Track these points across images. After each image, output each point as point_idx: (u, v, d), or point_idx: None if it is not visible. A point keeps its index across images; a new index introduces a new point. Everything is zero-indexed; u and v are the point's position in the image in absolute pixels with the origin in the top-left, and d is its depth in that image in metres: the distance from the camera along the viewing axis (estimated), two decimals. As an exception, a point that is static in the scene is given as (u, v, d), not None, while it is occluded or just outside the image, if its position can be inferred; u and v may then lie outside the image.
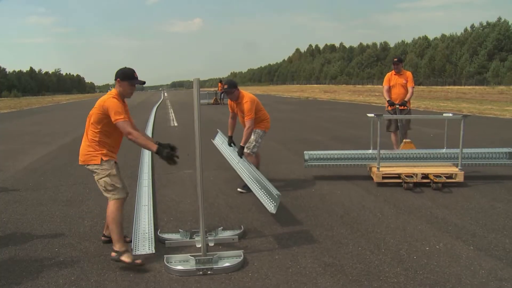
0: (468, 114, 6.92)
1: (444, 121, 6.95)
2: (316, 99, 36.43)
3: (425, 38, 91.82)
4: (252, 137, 5.95)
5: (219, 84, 32.47)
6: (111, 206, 3.83)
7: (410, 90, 7.93)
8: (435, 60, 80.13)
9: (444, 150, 6.85)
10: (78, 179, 7.13)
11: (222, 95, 29.68)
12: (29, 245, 4.32)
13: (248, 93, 6.03)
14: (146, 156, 8.99)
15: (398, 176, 6.30)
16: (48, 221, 5.05)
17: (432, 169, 6.35)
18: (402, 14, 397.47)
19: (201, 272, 3.60)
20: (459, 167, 6.30)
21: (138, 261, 3.75)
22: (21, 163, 8.90)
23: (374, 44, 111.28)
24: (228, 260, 3.77)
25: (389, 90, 8.09)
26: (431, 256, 3.84)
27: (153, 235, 4.35)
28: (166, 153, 3.83)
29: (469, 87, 59.12)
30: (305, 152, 6.97)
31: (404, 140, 7.24)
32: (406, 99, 7.86)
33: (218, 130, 7.43)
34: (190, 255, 3.76)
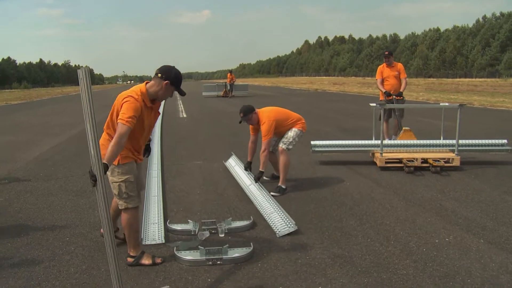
0: (464, 103, 7.38)
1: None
2: (325, 91, 36.28)
3: (436, 30, 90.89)
4: (291, 133, 5.69)
5: (228, 75, 30.27)
6: (124, 216, 3.55)
7: (403, 81, 8.49)
8: (445, 52, 79.41)
9: (441, 141, 7.42)
10: (87, 169, 7.15)
11: (231, 87, 29.16)
12: (41, 234, 4.37)
13: (266, 111, 5.73)
14: (156, 146, 9.03)
15: (400, 160, 6.79)
16: (59, 211, 5.09)
17: (431, 155, 6.91)
18: (412, 5, 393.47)
19: (210, 262, 3.61)
20: (456, 153, 6.81)
21: (159, 260, 3.66)
22: (32, 153, 8.98)
23: (384, 36, 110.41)
24: (238, 250, 3.77)
25: (382, 82, 8.54)
26: (440, 249, 3.82)
27: (162, 226, 4.39)
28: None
29: (480, 79, 58.52)
30: (311, 142, 7.37)
31: (403, 128, 7.71)
32: (401, 90, 8.35)
33: (232, 153, 7.34)
34: (200, 246, 3.76)
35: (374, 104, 7.56)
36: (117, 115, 3.29)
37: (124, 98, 3.32)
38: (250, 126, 5.86)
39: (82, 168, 7.33)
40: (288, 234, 4.20)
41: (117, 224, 4.01)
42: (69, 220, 4.77)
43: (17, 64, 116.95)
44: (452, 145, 7.07)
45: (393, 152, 7.07)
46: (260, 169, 5.62)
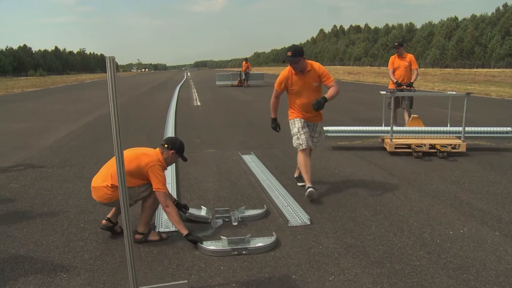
0: (471, 92, 7.79)
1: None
2: (340, 81, 36.00)
3: (453, 19, 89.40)
4: (319, 128, 5.24)
5: (244, 63, 27.98)
6: (154, 196, 3.82)
7: (415, 72, 8.86)
8: (463, 42, 78.13)
9: (448, 128, 7.71)
10: (101, 157, 7.23)
11: (246, 76, 27.77)
12: (56, 220, 4.42)
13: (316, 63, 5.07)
14: (169, 134, 9.07)
15: (409, 146, 7.14)
16: (73, 198, 5.14)
17: (438, 141, 7.22)
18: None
19: (236, 252, 3.59)
20: (462, 139, 7.14)
21: (164, 235, 3.93)
22: (47, 140, 9.07)
23: (400, 25, 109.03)
24: (261, 240, 3.76)
25: (394, 72, 8.95)
26: (455, 240, 3.79)
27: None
28: (192, 238, 3.74)
29: (498, 69, 57.43)
30: (324, 127, 7.39)
31: (412, 116, 8.01)
32: (412, 81, 8.74)
33: (251, 152, 7.26)
34: (222, 236, 3.74)
35: (384, 92, 8.14)
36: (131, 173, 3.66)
37: (151, 167, 3.75)
38: (277, 81, 5.08)
39: (96, 155, 7.39)
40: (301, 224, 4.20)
41: (117, 219, 4.04)
42: (83, 206, 4.82)
43: (33, 52, 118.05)
44: (459, 132, 7.38)
45: (402, 138, 7.40)
46: (327, 97, 4.82)
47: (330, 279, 3.17)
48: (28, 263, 3.47)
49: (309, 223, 4.21)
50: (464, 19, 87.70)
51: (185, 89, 27.96)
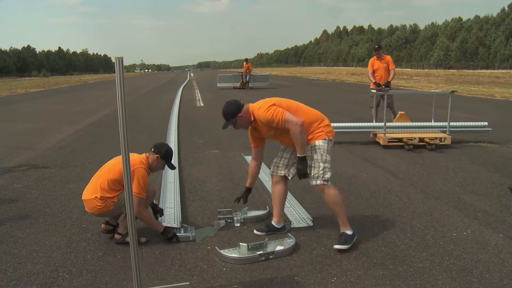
0: (455, 90, 8.34)
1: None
2: (343, 82, 35.99)
3: (457, 20, 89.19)
4: (317, 156, 3.67)
5: (244, 63, 26.60)
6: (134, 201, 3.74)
7: (392, 72, 9.54)
8: (467, 43, 77.92)
9: (434, 123, 8.44)
10: (104, 157, 7.21)
11: (248, 77, 26.51)
12: (58, 220, 4.43)
13: (262, 101, 3.81)
14: (172, 135, 9.08)
15: (400, 140, 7.82)
16: (76, 198, 5.14)
17: (426, 135, 7.97)
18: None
19: (263, 258, 3.49)
20: (447, 133, 7.93)
21: (143, 240, 3.86)
22: (50, 141, 9.08)
23: (403, 26, 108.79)
24: (281, 242, 3.72)
25: (373, 73, 9.61)
26: (458, 242, 3.77)
27: (179, 210, 4.44)
28: (171, 235, 3.85)
29: (503, 71, 57.16)
30: None
31: (399, 112, 8.80)
32: (389, 80, 9.47)
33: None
34: (240, 242, 3.64)
35: (375, 91, 9.06)
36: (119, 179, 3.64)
37: (135, 169, 3.65)
38: (249, 133, 4.10)
39: (99, 156, 7.40)
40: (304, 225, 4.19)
41: (117, 221, 4.06)
42: (86, 207, 4.81)
43: (37, 52, 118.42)
44: (443, 127, 8.16)
45: (394, 133, 8.11)
46: (298, 155, 3.62)
47: (333, 280, 3.16)
48: (30, 264, 3.47)
49: (311, 224, 4.20)
50: (468, 19, 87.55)
51: (188, 90, 27.97)
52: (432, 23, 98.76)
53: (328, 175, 3.67)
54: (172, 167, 4.10)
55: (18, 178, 6.07)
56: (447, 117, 8.00)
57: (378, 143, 8.05)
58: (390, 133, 8.06)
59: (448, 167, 6.33)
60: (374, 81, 9.57)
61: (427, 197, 5.01)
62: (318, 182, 3.66)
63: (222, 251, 3.55)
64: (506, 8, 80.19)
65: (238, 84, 27.05)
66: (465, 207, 4.65)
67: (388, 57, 9.72)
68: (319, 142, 3.68)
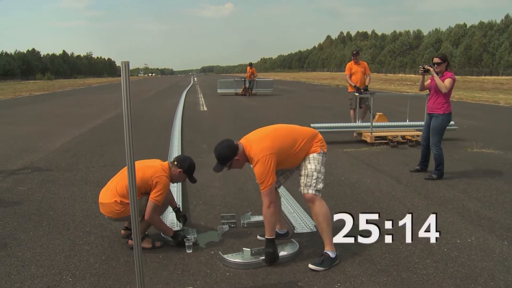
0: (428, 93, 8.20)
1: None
2: (346, 87, 35.92)
3: (461, 26, 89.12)
4: (311, 165, 3.62)
5: (248, 68, 24.56)
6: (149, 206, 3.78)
7: (368, 77, 10.45)
8: (471, 49, 77.81)
9: (410, 123, 9.41)
10: (108, 161, 7.26)
11: (251, 84, 24.56)
12: (62, 223, 4.43)
13: (258, 139, 3.62)
14: (176, 139, 9.09)
15: (385, 137, 8.79)
16: (80, 201, 5.16)
17: (407, 133, 8.99)
18: (438, 0, 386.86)
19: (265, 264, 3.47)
20: None
21: (158, 244, 3.87)
22: (54, 144, 9.11)
23: (407, 32, 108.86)
24: (283, 248, 3.67)
25: (351, 77, 10.36)
26: (462, 249, 3.75)
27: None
28: (180, 239, 3.85)
29: (507, 77, 56.97)
30: (311, 124, 8.36)
31: (377, 113, 9.72)
32: (367, 84, 10.29)
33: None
34: (244, 247, 3.61)
35: (357, 94, 9.94)
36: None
37: (158, 176, 3.74)
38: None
39: (103, 159, 7.41)
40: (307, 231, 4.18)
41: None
42: (89, 210, 4.82)
43: (41, 56, 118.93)
44: (419, 126, 8.80)
45: (378, 132, 9.06)
46: (267, 237, 3.50)
47: (336, 286, 3.15)
48: (34, 266, 3.47)
49: (315, 230, 4.19)
50: (472, 26, 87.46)
51: (192, 94, 28.01)
52: (436, 29, 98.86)
53: (320, 186, 3.60)
54: (193, 180, 4.11)
55: (22, 181, 6.09)
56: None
57: (363, 141, 8.97)
58: (375, 132, 9.00)
59: (451, 174, 6.31)
60: (353, 84, 10.27)
61: (431, 204, 5.00)
62: (310, 191, 3.56)
63: (225, 256, 3.53)
64: (511, 15, 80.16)
65: (240, 91, 25.23)
66: (469, 214, 4.63)
67: (365, 63, 10.60)
68: (313, 155, 3.66)
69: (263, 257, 3.47)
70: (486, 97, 21.21)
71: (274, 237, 3.51)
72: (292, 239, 3.90)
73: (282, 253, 3.56)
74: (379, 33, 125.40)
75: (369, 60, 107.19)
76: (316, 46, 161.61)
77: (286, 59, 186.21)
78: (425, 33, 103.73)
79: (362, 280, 3.22)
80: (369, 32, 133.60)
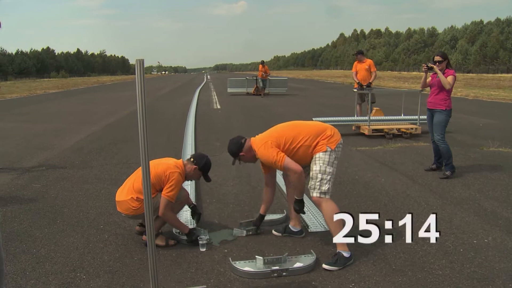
0: (422, 90, 8.62)
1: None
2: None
3: (477, 23, 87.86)
4: (316, 167, 3.58)
5: (260, 67, 23.01)
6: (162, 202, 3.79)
7: (373, 74, 11.08)
8: (487, 47, 76.72)
9: (405, 116, 10.20)
10: (122, 158, 7.29)
11: (264, 83, 23.10)
12: (76, 221, 4.46)
13: (260, 136, 3.86)
14: (189, 137, 9.10)
15: (382, 130, 9.49)
16: (93, 199, 5.18)
17: (402, 126, 9.66)
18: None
19: (275, 274, 3.29)
20: (418, 124, 9.58)
21: (172, 242, 3.87)
22: (68, 141, 9.18)
23: (422, 30, 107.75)
24: (300, 258, 3.49)
25: (356, 74, 11.15)
26: (479, 250, 3.69)
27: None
28: (194, 237, 3.84)
29: (524, 75, 56.20)
30: (313, 118, 8.64)
31: (374, 108, 10.42)
32: (370, 81, 10.97)
33: None
34: (257, 255, 3.47)
35: (355, 90, 11.01)
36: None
37: (172, 172, 3.76)
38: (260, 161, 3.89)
39: (117, 157, 7.45)
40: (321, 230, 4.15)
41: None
42: (103, 208, 4.84)
43: (56, 54, 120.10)
44: (414, 120, 9.78)
45: (375, 125, 9.74)
46: (296, 197, 3.71)
47: (350, 286, 3.12)
48: (48, 263, 3.50)
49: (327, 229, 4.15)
50: (488, 22, 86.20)
51: (205, 92, 28.07)
52: (452, 26, 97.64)
53: (325, 187, 3.53)
54: (208, 179, 4.09)
55: (36, 178, 6.14)
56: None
57: (362, 134, 9.74)
58: (373, 125, 9.65)
59: (467, 173, 6.22)
60: (357, 81, 11.12)
61: (446, 203, 4.93)
62: (314, 194, 3.55)
63: (234, 264, 3.40)
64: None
65: (252, 90, 24.01)
66: (485, 214, 4.56)
67: (370, 61, 11.23)
68: (319, 154, 3.60)
69: (276, 267, 3.32)
70: (503, 95, 20.91)
71: (302, 198, 3.69)
72: (312, 250, 3.76)
73: (297, 264, 3.39)
74: (393, 31, 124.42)
75: (382, 58, 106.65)
76: (330, 44, 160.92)
77: (299, 57, 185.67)
78: (440, 30, 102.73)
79: (377, 280, 3.19)
80: (383, 30, 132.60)
